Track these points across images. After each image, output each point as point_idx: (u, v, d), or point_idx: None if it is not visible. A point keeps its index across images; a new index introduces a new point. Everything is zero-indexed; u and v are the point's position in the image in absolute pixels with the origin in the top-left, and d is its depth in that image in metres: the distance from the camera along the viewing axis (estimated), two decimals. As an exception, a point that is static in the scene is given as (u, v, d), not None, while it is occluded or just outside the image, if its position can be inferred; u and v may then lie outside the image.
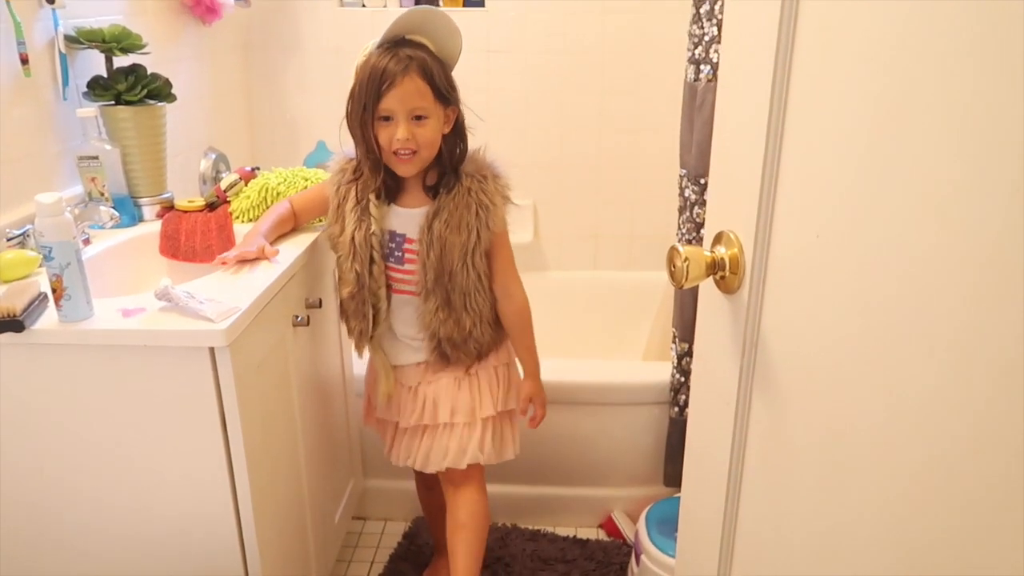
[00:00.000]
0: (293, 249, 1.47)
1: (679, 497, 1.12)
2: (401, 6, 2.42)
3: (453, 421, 1.50)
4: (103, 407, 1.19)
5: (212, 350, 1.15)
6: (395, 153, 1.33)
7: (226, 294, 1.23)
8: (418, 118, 1.32)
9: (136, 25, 1.69)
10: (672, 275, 0.85)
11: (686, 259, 0.83)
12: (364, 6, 2.43)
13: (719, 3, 1.61)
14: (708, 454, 0.95)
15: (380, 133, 1.33)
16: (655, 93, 2.44)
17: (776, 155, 0.77)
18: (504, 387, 1.55)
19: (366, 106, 1.31)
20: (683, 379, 1.83)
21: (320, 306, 1.56)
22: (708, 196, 0.93)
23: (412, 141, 1.31)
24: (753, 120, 0.79)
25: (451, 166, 1.40)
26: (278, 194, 1.65)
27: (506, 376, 1.55)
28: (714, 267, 0.85)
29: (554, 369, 1.93)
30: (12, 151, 1.43)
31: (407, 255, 1.43)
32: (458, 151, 1.41)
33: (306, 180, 1.67)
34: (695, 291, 1.75)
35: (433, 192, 1.41)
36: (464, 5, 2.43)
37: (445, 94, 1.34)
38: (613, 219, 2.60)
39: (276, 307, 1.35)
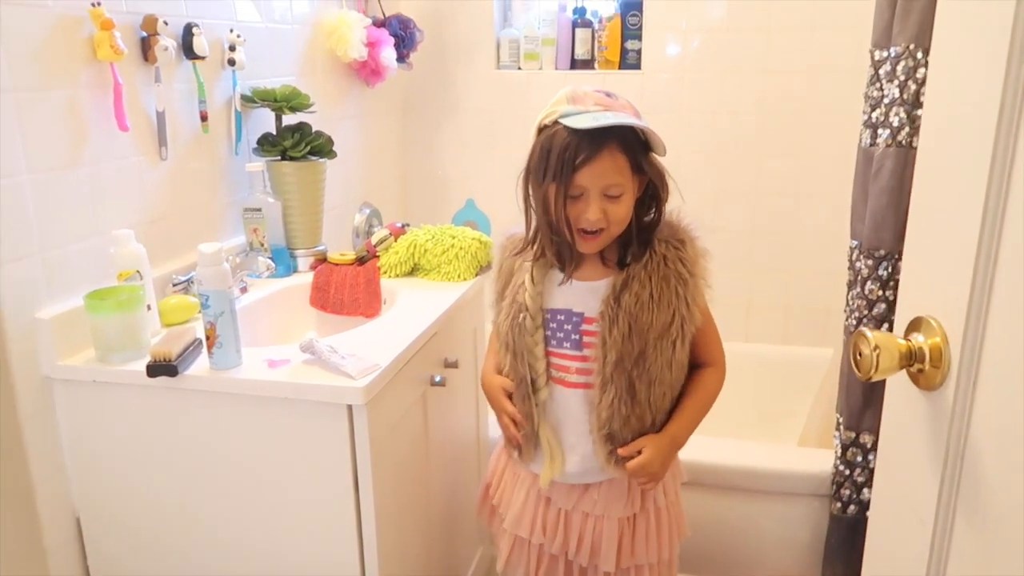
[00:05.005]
0: (434, 308, 1.45)
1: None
2: (556, 68, 2.43)
3: (618, 568, 1.29)
4: (243, 453, 1.20)
5: (350, 408, 1.13)
6: (580, 230, 1.15)
7: (367, 350, 1.22)
8: (611, 196, 1.12)
9: (305, 85, 1.78)
10: (858, 365, 0.73)
11: (876, 347, 0.71)
12: (520, 68, 2.46)
13: (901, 63, 1.48)
14: (893, 577, 0.81)
15: (567, 208, 1.13)
16: (817, 157, 2.29)
17: (996, 228, 0.65)
18: (669, 527, 1.31)
19: (555, 179, 1.10)
20: (848, 472, 1.64)
21: (458, 367, 1.53)
22: (903, 275, 0.81)
23: (603, 220, 1.12)
24: (966, 188, 0.67)
25: (643, 234, 1.19)
26: (425, 251, 1.65)
27: (667, 518, 1.31)
28: (910, 358, 0.73)
29: (699, 448, 1.79)
30: (187, 201, 1.52)
31: (586, 337, 1.19)
32: (652, 217, 1.21)
33: (453, 238, 1.66)
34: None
35: (618, 262, 1.20)
36: (620, 68, 2.41)
37: (642, 165, 1.14)
38: (767, 289, 2.44)
39: (415, 366, 1.33)
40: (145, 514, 1.27)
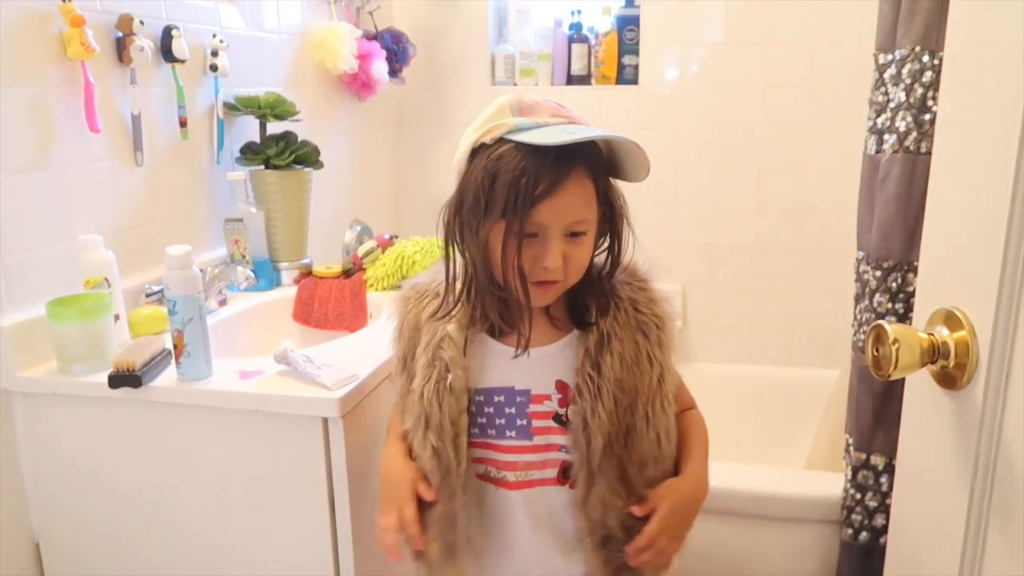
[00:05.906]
0: (423, 319, 1.38)
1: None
2: (552, 84, 2.38)
3: None
4: (212, 470, 1.13)
5: (325, 420, 1.06)
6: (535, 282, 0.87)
7: (346, 361, 1.14)
8: (575, 234, 0.85)
9: (293, 97, 1.72)
10: (876, 362, 0.66)
11: (896, 341, 0.64)
12: (515, 84, 2.42)
13: (907, 66, 1.43)
14: (918, 602, 0.72)
15: (520, 253, 0.84)
16: (820, 172, 2.23)
17: (1028, 208, 0.58)
18: None
19: (505, 215, 0.82)
20: (859, 496, 1.55)
21: (447, 382, 1.46)
22: (922, 265, 0.74)
23: (561, 270, 0.85)
24: (993, 167, 0.61)
25: (603, 281, 0.93)
26: (414, 263, 1.58)
27: None
28: (932, 354, 0.66)
29: (701, 471, 1.71)
30: (164, 209, 1.45)
31: (535, 421, 0.91)
32: (607, 261, 0.93)
33: (442, 249, 1.59)
34: (875, 392, 1.52)
35: (575, 320, 0.93)
36: (617, 83, 2.36)
37: (609, 195, 0.89)
38: (770, 308, 2.37)
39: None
40: (109, 537, 1.19)
